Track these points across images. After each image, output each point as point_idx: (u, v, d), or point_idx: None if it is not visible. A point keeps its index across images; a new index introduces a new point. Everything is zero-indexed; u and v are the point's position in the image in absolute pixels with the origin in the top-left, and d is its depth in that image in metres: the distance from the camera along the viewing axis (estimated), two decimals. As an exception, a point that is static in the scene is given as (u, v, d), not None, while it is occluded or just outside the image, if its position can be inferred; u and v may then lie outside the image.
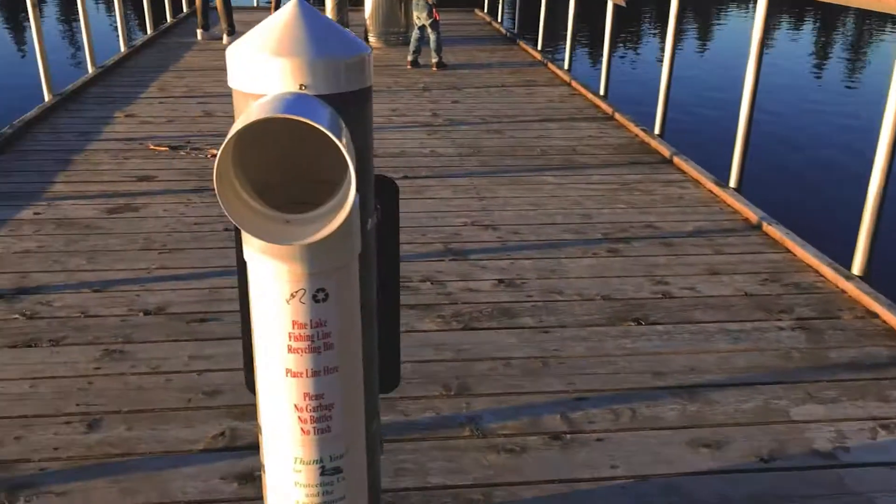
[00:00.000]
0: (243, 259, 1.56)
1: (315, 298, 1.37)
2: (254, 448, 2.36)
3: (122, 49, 8.19)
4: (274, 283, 1.36)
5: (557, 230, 3.97)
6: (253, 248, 1.36)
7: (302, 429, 1.44)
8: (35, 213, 4.05)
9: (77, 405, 2.54)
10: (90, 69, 7.23)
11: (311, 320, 1.37)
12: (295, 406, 1.42)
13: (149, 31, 9.31)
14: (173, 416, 2.50)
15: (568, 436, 2.44)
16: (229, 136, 1.20)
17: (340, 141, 1.17)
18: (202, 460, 2.30)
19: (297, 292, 1.36)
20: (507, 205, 4.29)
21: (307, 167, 1.40)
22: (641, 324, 3.10)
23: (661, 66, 5.79)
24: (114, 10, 8.00)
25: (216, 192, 1.20)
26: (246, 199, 1.26)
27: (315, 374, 1.41)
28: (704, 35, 15.96)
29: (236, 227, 1.65)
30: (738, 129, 4.54)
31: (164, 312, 3.11)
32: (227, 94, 6.53)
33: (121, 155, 5.02)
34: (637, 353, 2.90)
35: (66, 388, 2.62)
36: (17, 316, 3.06)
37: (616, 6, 6.50)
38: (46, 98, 6.15)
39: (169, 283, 3.36)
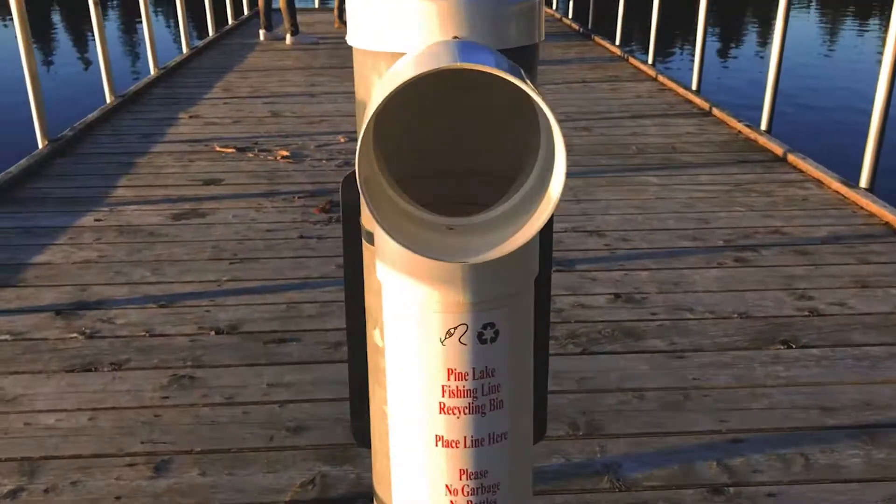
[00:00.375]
0: (353, 269, 1.17)
1: (481, 338, 0.95)
2: (352, 499, 1.95)
3: (185, 52, 7.95)
4: (422, 315, 0.95)
5: (672, 236, 3.51)
6: (390, 265, 0.96)
7: (455, 519, 1.02)
8: (96, 220, 3.74)
9: (142, 443, 2.17)
10: (152, 71, 6.99)
11: (473, 369, 0.96)
12: (447, 488, 1.01)
13: (210, 34, 9.07)
14: (253, 458, 2.11)
15: (730, 489, 1.99)
16: (371, 108, 0.79)
17: (540, 98, 0.76)
18: (289, 515, 1.91)
19: (455, 329, 0.95)
20: (609, 208, 3.84)
21: (452, 155, 0.99)
22: (792, 347, 2.62)
23: (762, 56, 5.26)
24: (170, 21, 7.76)
25: (360, 188, 0.79)
26: (393, 197, 0.86)
27: (477, 443, 0.99)
28: (803, 21, 15.21)
29: (344, 228, 1.25)
30: (870, 123, 4.01)
31: (237, 331, 2.74)
32: (294, 95, 6.21)
33: (185, 157, 4.71)
34: (794, 384, 2.42)
35: (129, 422, 2.26)
36: (75, 335, 2.72)
37: (712, -8, 5.99)
38: (108, 100, 5.89)
39: (242, 298, 2.99)
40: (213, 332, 2.73)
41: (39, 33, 14.33)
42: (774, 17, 5.25)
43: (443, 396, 0.96)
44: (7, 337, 2.71)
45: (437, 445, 0.99)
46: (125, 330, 2.76)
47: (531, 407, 1.04)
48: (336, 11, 9.87)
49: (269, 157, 4.68)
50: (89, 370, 2.51)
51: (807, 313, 2.84)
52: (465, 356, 0.95)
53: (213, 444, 2.17)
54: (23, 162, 4.39)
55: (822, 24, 13.74)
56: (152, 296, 3.00)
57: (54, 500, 1.95)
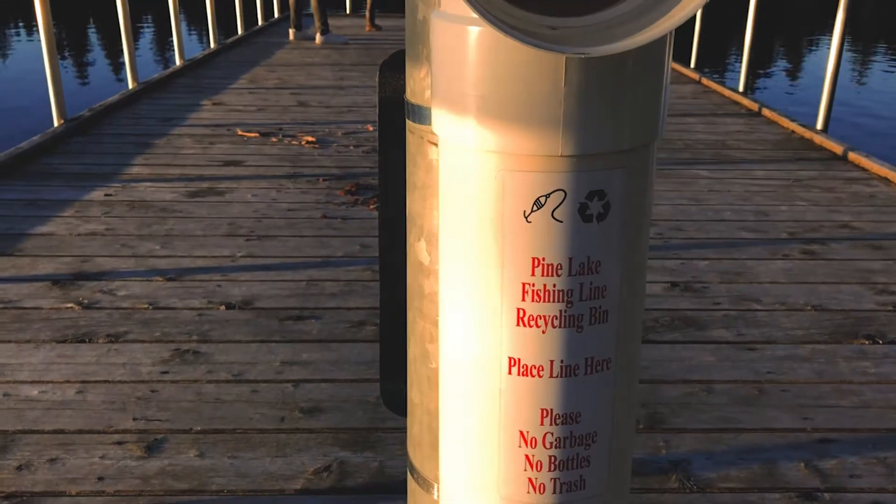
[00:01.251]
0: (390, 169, 0.89)
1: (584, 213, 0.65)
2: (373, 491, 1.65)
3: (212, 46, 7.76)
4: (496, 176, 0.65)
5: (730, 227, 3.19)
6: (451, 107, 0.67)
7: (531, 480, 0.72)
8: (106, 195, 3.48)
9: (134, 419, 1.88)
10: (178, 62, 6.78)
11: (570, 259, 0.66)
12: (522, 436, 0.71)
13: (240, 32, 8.88)
14: (260, 440, 1.82)
15: (825, 494, 1.66)
16: None
17: None
18: (300, 506, 1.61)
19: (547, 197, 0.65)
20: (659, 198, 3.53)
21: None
22: (879, 342, 2.29)
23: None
24: (201, 29, 7.58)
25: None
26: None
27: (569, 371, 0.69)
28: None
29: (381, 124, 0.97)
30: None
31: (250, 307, 2.46)
32: (322, 87, 5.98)
33: (206, 140, 4.46)
34: (887, 381, 2.10)
35: (122, 397, 1.98)
36: (71, 305, 2.45)
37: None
38: (130, 86, 5.67)
39: (257, 274, 2.71)
40: (223, 307, 2.45)
41: (76, 46, 14.32)
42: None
43: (523, 300, 0.67)
44: (-4, 305, 2.44)
45: (510, 373, 0.69)
46: (126, 302, 2.48)
47: (641, 326, 0.74)
48: (368, 15, 9.67)
49: (294, 143, 4.42)
50: (83, 341, 2.24)
51: (891, 308, 2.51)
52: (560, 239, 0.65)
53: (216, 423, 1.88)
54: (36, 138, 4.16)
55: (854, 55, 13.40)
56: (159, 269, 2.73)
57: (26, 478, 1.67)
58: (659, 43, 0.63)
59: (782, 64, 12.60)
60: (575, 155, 0.63)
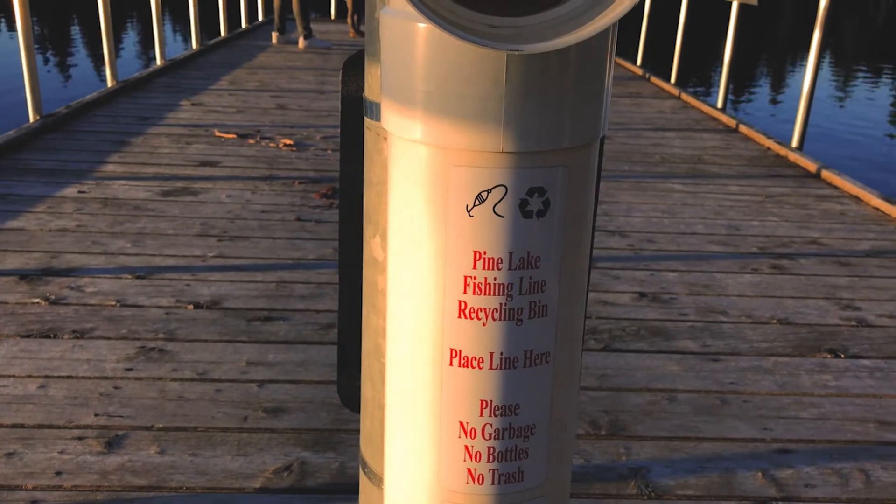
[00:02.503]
0: (350, 164, 0.90)
1: (524, 209, 0.67)
2: (332, 492, 1.65)
3: (194, 47, 7.74)
4: (440, 170, 0.67)
5: (701, 241, 3.22)
6: (396, 98, 0.68)
7: (470, 471, 0.73)
8: (79, 192, 3.46)
9: (96, 415, 1.88)
10: (159, 62, 6.76)
11: (510, 254, 0.67)
12: (462, 427, 0.72)
13: (223, 34, 8.87)
14: (222, 438, 1.81)
15: (780, 503, 1.69)
16: None
17: None
18: (258, 503, 1.61)
19: (489, 193, 0.66)
20: (632, 210, 3.56)
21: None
22: (841, 356, 2.33)
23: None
24: (184, 30, 7.57)
25: None
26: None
27: (508, 363, 0.70)
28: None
29: (343, 119, 0.98)
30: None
31: (218, 307, 2.45)
32: (303, 91, 5.99)
33: (183, 140, 4.45)
34: (846, 394, 2.13)
35: (84, 393, 1.97)
36: (37, 300, 2.44)
37: (742, 6, 5.76)
38: (109, 84, 5.65)
39: (228, 274, 2.70)
40: (191, 307, 2.44)
41: (58, 44, 14.23)
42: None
43: (464, 293, 0.68)
44: (-38, 298, 2.42)
45: (451, 364, 0.70)
46: (94, 298, 2.47)
47: (583, 322, 0.76)
48: (350, 21, 9.68)
49: (272, 145, 4.42)
50: (48, 336, 2.22)
51: (854, 323, 2.54)
52: (500, 234, 0.66)
53: (178, 421, 1.87)
54: (10, 133, 4.13)
55: (835, 75, 13.58)
56: (129, 267, 2.72)
57: (-17, 471, 1.65)
58: (600, 44, 0.65)
59: (764, 82, 12.75)
60: (515, 152, 0.65)
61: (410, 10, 0.65)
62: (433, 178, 0.67)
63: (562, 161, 0.67)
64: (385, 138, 0.83)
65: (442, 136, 0.65)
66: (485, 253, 0.67)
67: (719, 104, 5.97)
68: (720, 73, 6.21)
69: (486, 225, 0.67)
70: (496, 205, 0.66)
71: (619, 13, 0.56)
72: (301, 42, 8.32)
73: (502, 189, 0.66)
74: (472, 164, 0.66)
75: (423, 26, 0.64)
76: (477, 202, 0.66)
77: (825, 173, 4.20)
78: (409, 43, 0.65)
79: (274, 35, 8.59)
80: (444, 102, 0.65)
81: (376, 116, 0.86)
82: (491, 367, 0.70)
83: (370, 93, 0.88)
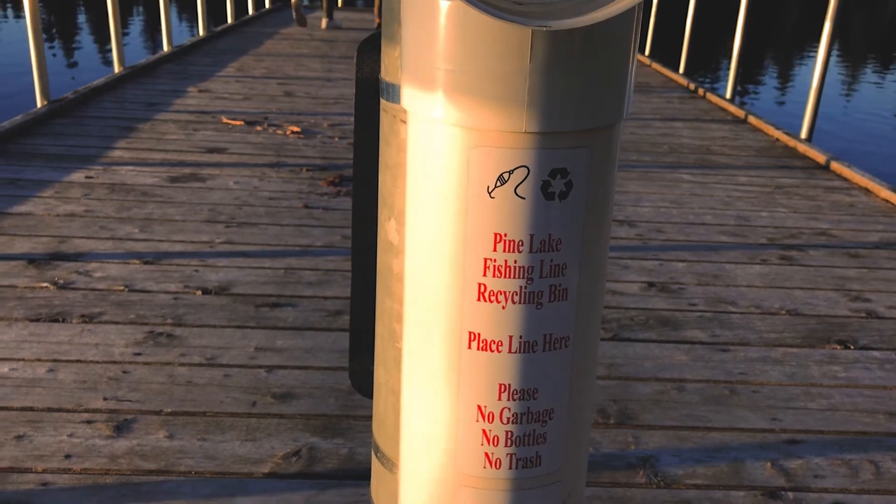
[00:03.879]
0: (365, 144, 0.89)
1: (546, 190, 0.66)
2: (341, 477, 1.65)
3: (201, 33, 7.72)
4: (461, 150, 0.66)
5: (710, 231, 3.21)
6: (416, 79, 0.67)
7: (487, 455, 0.72)
8: (87, 177, 3.46)
9: (105, 399, 1.88)
10: (166, 48, 6.75)
11: (531, 236, 0.67)
12: (480, 411, 0.71)
13: (230, 21, 8.84)
14: (231, 423, 1.81)
15: (789, 493, 1.68)
16: None
17: None
18: (267, 489, 1.61)
19: (510, 174, 0.65)
20: (641, 200, 3.54)
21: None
22: (850, 347, 2.32)
23: (806, 68, 4.98)
24: (192, 21, 7.55)
25: None
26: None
27: (527, 347, 0.69)
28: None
29: (357, 103, 0.97)
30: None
31: (227, 293, 2.45)
32: (310, 78, 5.97)
33: (190, 126, 4.44)
34: (856, 385, 2.12)
35: (93, 377, 1.97)
36: (46, 284, 2.44)
37: (753, -3, 5.72)
38: (116, 70, 5.64)
39: (235, 260, 2.70)
40: (199, 292, 2.44)
41: (66, 30, 14.22)
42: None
43: (484, 275, 0.67)
44: (-30, 281, 2.42)
45: (469, 348, 0.69)
46: (102, 283, 2.47)
47: (601, 306, 0.75)
48: (377, 9, 9.67)
49: (279, 132, 4.41)
50: (56, 320, 2.22)
51: (864, 315, 2.53)
52: (522, 216, 0.65)
53: (186, 406, 1.87)
54: (17, 118, 4.13)
55: (842, 68, 13.51)
56: (137, 252, 2.72)
57: (-7, 453, 1.66)
58: (625, 24, 0.64)
59: (773, 73, 12.69)
60: (539, 132, 0.64)
61: (434, -13, 0.64)
62: (454, 159, 0.66)
63: (585, 142, 0.66)
64: (402, 120, 0.82)
65: (464, 115, 0.64)
66: (505, 235, 0.67)
67: (728, 95, 5.95)
68: (729, 63, 6.17)
69: (508, 207, 0.66)
70: (518, 186, 0.66)
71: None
72: (323, 22, 8.89)
73: (524, 170, 0.65)
74: (493, 145, 0.65)
75: (446, 3, 0.63)
76: (498, 183, 0.66)
77: (834, 165, 4.18)
78: (431, 20, 0.64)
79: (323, 21, 9.00)
80: (466, 81, 0.64)
81: (393, 98, 0.85)
82: (510, 351, 0.69)
83: (387, 74, 0.87)
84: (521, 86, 0.62)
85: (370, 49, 0.95)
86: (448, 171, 0.67)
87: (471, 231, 0.67)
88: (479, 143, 0.65)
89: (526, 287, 0.68)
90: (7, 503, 1.51)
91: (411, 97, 0.69)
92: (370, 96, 0.95)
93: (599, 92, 0.65)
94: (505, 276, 0.67)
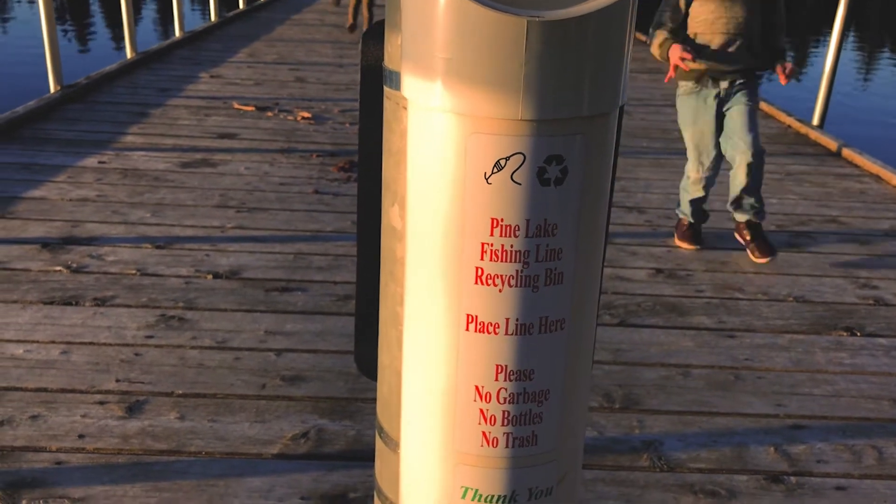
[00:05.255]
0: (369, 137, 0.91)
1: (542, 177, 0.68)
2: (349, 458, 1.68)
3: (213, 19, 7.74)
4: (459, 137, 0.67)
5: (719, 217, 3.21)
6: (415, 70, 0.69)
7: (485, 434, 0.74)
8: (100, 162, 3.49)
9: (117, 381, 1.91)
10: (178, 33, 6.77)
11: (527, 221, 0.68)
12: (477, 391, 0.73)
13: (241, 6, 8.85)
14: (241, 405, 1.84)
15: (792, 478, 1.70)
16: None
17: None
18: (276, 469, 1.64)
19: (507, 161, 0.67)
20: (651, 187, 3.55)
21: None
22: (857, 334, 2.32)
23: (820, 55, 4.95)
24: (204, 8, 7.55)
25: None
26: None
27: (523, 329, 0.71)
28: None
29: (363, 92, 0.99)
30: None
31: (237, 277, 2.48)
32: (321, 63, 5.99)
33: (202, 112, 4.46)
34: (861, 372, 2.13)
35: (106, 359, 2.00)
36: (59, 268, 2.47)
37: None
38: (129, 56, 5.67)
39: (246, 245, 2.73)
40: (210, 276, 2.47)
41: (78, 15, 14.25)
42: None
43: (481, 259, 0.69)
44: (-15, 265, 2.46)
45: (467, 330, 0.71)
46: (115, 267, 2.50)
47: (598, 291, 0.77)
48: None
49: (290, 117, 4.43)
50: (69, 304, 2.26)
51: (871, 302, 2.54)
52: (518, 202, 0.67)
53: (197, 388, 1.90)
54: (31, 103, 4.16)
55: (858, 55, 13.39)
56: (149, 236, 2.75)
57: (7, 433, 1.69)
58: (620, 13, 0.65)
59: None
60: (534, 119, 0.65)
61: (432, -23, 0.66)
62: (452, 146, 0.68)
63: (580, 129, 0.67)
64: (404, 107, 0.84)
65: (461, 103, 0.66)
66: (502, 220, 0.68)
67: (740, 81, 5.91)
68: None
69: (504, 192, 0.68)
70: (514, 172, 0.67)
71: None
72: None
73: (520, 157, 0.67)
74: (490, 132, 0.66)
75: (444, -6, 0.65)
76: (495, 170, 0.67)
77: (846, 152, 4.16)
78: (430, 10, 0.66)
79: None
80: (463, 69, 0.65)
81: (395, 85, 0.87)
82: (506, 333, 0.71)
83: (390, 62, 0.88)
84: (517, 74, 0.64)
85: (375, 37, 0.97)
86: (446, 158, 0.69)
87: (468, 216, 0.69)
88: (477, 131, 0.67)
89: (522, 271, 0.69)
90: (23, 481, 1.55)
91: (411, 85, 0.71)
92: (375, 84, 0.96)
93: (594, 80, 0.66)
94: (502, 260, 0.69)
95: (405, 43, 0.71)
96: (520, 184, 0.67)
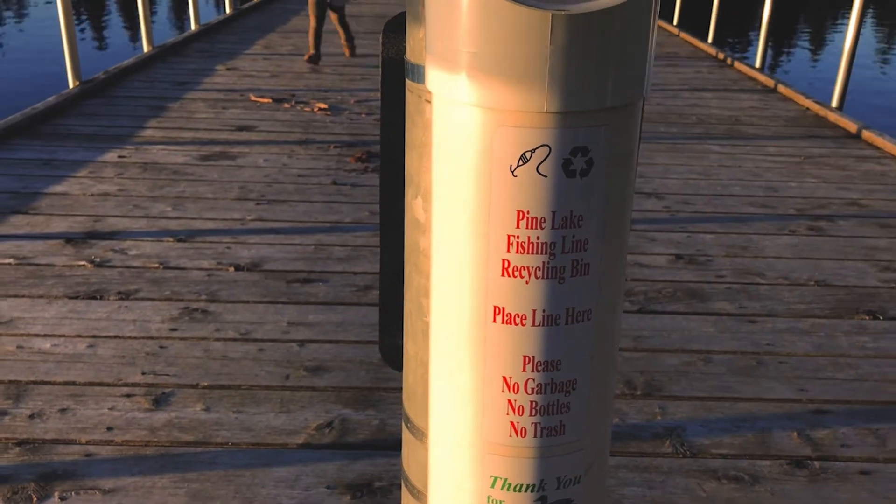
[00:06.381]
0: (391, 129, 0.92)
1: (567, 168, 0.68)
2: (373, 447, 1.70)
3: (228, 11, 7.76)
4: (484, 130, 0.68)
5: (738, 202, 3.20)
6: (441, 62, 0.69)
7: (513, 424, 0.75)
8: (120, 157, 3.52)
9: (143, 374, 1.93)
10: (193, 26, 6.79)
11: (554, 213, 0.69)
12: (505, 382, 0.74)
13: (256, -2, 8.87)
14: (265, 396, 1.86)
15: (815, 463, 1.70)
16: None
17: None
18: (301, 459, 1.65)
19: (532, 153, 0.67)
20: (669, 172, 3.54)
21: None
22: (879, 318, 2.31)
23: (839, 36, 4.90)
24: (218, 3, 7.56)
25: None
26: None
27: (550, 320, 0.72)
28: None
29: (384, 84, 0.99)
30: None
31: (259, 269, 2.50)
32: (336, 54, 5.98)
33: (219, 105, 4.48)
34: (885, 356, 2.12)
35: (131, 352, 2.02)
36: (83, 262, 2.50)
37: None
38: (145, 49, 5.69)
39: (267, 237, 2.75)
40: (232, 269, 2.49)
41: (94, 9, 14.32)
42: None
43: (508, 251, 0.70)
44: (10, 261, 2.49)
45: (494, 321, 0.72)
46: (138, 261, 2.53)
47: (623, 280, 0.77)
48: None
49: (306, 109, 4.44)
50: (94, 298, 2.29)
51: (894, 285, 2.52)
52: (544, 194, 0.68)
53: (222, 379, 1.92)
54: (51, 99, 4.20)
55: (878, 33, 13.22)
56: (170, 230, 2.77)
57: (38, 426, 1.72)
58: (644, 4, 0.65)
59: (804, 40, 12.48)
60: (559, 111, 0.66)
61: (455, -28, 0.66)
62: (477, 139, 0.69)
63: (605, 120, 0.68)
64: (427, 100, 0.84)
65: (486, 96, 0.66)
66: (528, 212, 0.69)
67: (757, 64, 5.87)
68: (758, 31, 6.09)
69: (530, 185, 0.68)
70: (540, 164, 0.68)
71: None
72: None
73: (546, 149, 0.67)
74: (516, 125, 0.67)
75: (467, -12, 0.65)
76: (521, 162, 0.68)
77: (866, 133, 4.13)
78: (454, 5, 0.66)
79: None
80: (488, 63, 0.66)
81: (418, 78, 0.87)
82: (533, 324, 0.72)
83: (412, 55, 0.89)
84: (542, 67, 0.64)
85: (395, 29, 0.97)
86: (471, 151, 0.69)
87: (494, 209, 0.69)
88: (502, 123, 0.67)
89: (548, 262, 0.70)
90: (54, 473, 1.58)
91: (436, 79, 0.71)
92: (396, 76, 0.97)
93: (619, 71, 0.66)
94: (528, 252, 0.70)
95: (429, 38, 0.72)
96: (545, 176, 0.68)
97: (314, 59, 5.53)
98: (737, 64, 5.95)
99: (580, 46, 0.64)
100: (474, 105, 0.68)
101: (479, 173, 0.69)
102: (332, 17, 5.79)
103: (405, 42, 0.93)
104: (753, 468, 1.68)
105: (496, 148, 0.68)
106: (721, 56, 6.26)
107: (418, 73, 0.86)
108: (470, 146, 0.69)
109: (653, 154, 3.79)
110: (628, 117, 0.70)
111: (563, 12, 0.57)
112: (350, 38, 5.89)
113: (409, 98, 0.91)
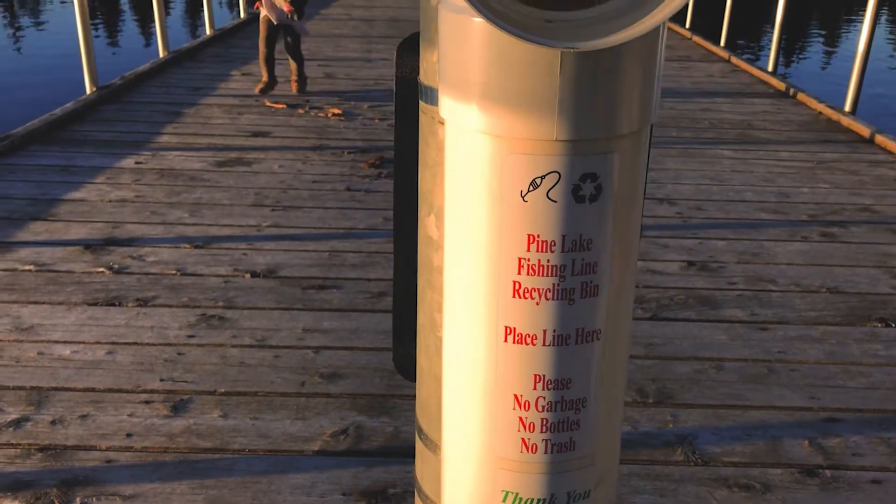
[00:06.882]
0: (406, 146, 0.94)
1: (576, 194, 0.70)
2: (387, 454, 1.72)
3: (242, 16, 7.81)
4: (495, 157, 0.70)
5: (750, 208, 3.20)
6: (455, 92, 0.72)
7: (524, 440, 0.78)
8: (136, 163, 3.57)
9: (161, 380, 1.97)
10: (208, 31, 6.84)
11: (563, 237, 0.71)
12: (516, 400, 0.76)
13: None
14: (281, 403, 1.89)
15: (827, 471, 1.71)
16: None
17: None
18: (317, 466, 1.68)
19: (542, 179, 0.70)
20: (681, 177, 3.55)
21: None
22: (892, 325, 2.32)
23: (852, 39, 4.89)
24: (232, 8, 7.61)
25: None
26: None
27: (560, 340, 0.74)
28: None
29: (397, 103, 1.02)
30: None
31: (274, 275, 2.53)
32: (349, 59, 6.02)
33: (234, 110, 4.53)
34: (896, 364, 2.13)
35: (150, 359, 2.06)
36: (102, 269, 2.54)
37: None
38: (161, 55, 5.75)
39: (282, 243, 2.78)
40: (248, 275, 2.52)
41: (109, 15, 14.42)
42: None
43: (518, 273, 0.72)
44: (30, 268, 2.53)
45: (506, 341, 0.74)
46: (155, 268, 2.56)
47: (632, 300, 0.79)
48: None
49: (320, 114, 4.48)
50: (113, 304, 2.32)
51: (906, 292, 2.53)
52: (553, 218, 0.70)
53: (239, 386, 1.95)
54: (68, 105, 4.25)
55: (891, 36, 13.15)
56: (187, 236, 2.81)
57: (59, 432, 1.76)
58: (651, 35, 0.67)
59: (817, 44, 12.42)
60: (569, 139, 0.68)
61: (467, 5, 0.69)
62: (489, 165, 0.71)
63: (613, 147, 0.70)
64: (441, 122, 0.87)
65: (498, 125, 0.69)
66: (538, 236, 0.71)
67: (770, 67, 5.87)
68: (771, 35, 6.08)
69: (540, 210, 0.70)
70: (549, 190, 0.70)
71: (672, 10, 0.59)
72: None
73: (556, 175, 0.70)
74: (526, 152, 0.69)
75: (479, 21, 0.67)
76: (531, 188, 0.70)
77: (879, 138, 4.12)
78: (466, 37, 0.69)
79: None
80: (499, 94, 0.68)
81: (431, 101, 0.89)
82: (544, 344, 0.74)
83: (425, 77, 0.91)
84: (552, 98, 0.66)
85: (409, 49, 1.00)
86: (483, 177, 0.72)
87: (505, 232, 0.72)
88: (513, 151, 0.69)
89: (559, 284, 0.72)
90: (75, 479, 1.61)
91: (448, 107, 0.74)
92: (409, 94, 0.99)
93: (627, 100, 0.69)
94: (538, 275, 0.72)
95: (442, 66, 0.74)
96: (555, 201, 0.70)
97: (268, 87, 4.85)
98: (749, 67, 5.94)
99: (589, 79, 0.66)
100: (485, 133, 0.70)
101: (491, 197, 0.72)
102: (286, 42, 4.96)
103: (418, 61, 0.96)
104: (765, 476, 1.69)
105: (507, 174, 0.70)
106: (733, 60, 6.25)
107: (431, 96, 0.89)
108: (481, 171, 0.72)
109: (665, 159, 3.80)
110: (636, 143, 0.72)
111: (572, 50, 0.60)
112: (301, 72, 4.98)
113: (423, 119, 0.93)
